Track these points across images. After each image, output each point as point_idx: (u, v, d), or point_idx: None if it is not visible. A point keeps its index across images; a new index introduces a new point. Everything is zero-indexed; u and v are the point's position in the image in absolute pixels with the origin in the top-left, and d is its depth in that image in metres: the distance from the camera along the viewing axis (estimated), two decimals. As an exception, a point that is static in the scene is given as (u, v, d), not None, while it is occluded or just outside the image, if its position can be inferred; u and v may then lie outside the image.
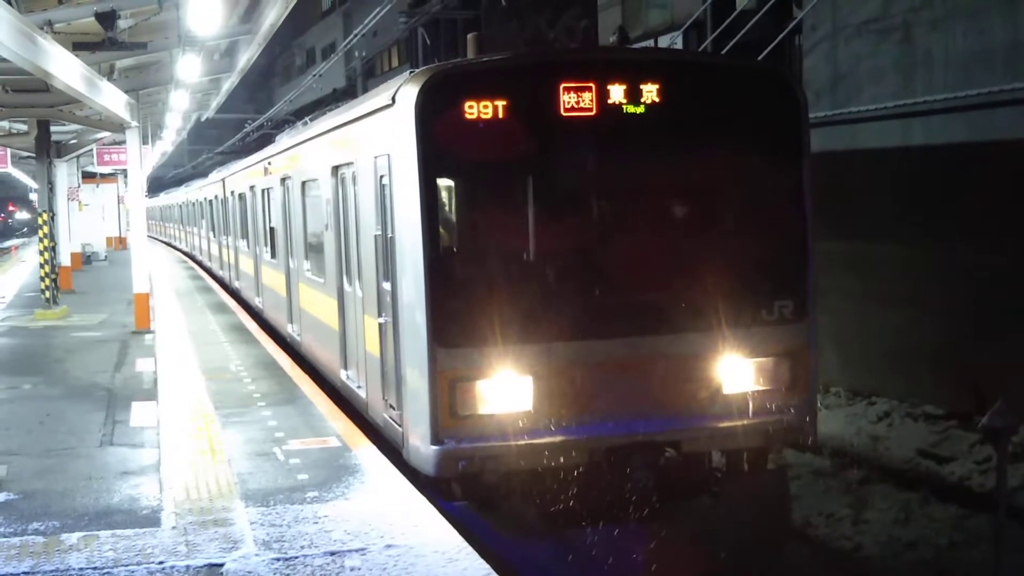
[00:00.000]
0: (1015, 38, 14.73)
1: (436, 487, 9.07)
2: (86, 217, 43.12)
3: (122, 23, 15.87)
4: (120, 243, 51.62)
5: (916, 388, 16.09)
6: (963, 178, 15.40)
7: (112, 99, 19.39)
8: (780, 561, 9.87)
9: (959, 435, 14.64)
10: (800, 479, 13.62)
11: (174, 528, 8.07)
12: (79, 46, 16.30)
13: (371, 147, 10.35)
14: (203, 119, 38.91)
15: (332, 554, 7.37)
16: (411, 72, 9.62)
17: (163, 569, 7.19)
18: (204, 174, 45.51)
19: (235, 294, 26.28)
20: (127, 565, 7.27)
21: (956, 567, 11.18)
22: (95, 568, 7.24)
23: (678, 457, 9.40)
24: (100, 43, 15.98)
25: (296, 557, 7.32)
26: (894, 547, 11.84)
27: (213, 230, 32.78)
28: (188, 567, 7.21)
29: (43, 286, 23.92)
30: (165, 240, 65.22)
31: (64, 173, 31.72)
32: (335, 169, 12.26)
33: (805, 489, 13.33)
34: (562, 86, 9.01)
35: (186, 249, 49.84)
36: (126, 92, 21.19)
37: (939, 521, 12.33)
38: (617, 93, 9.05)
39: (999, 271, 14.71)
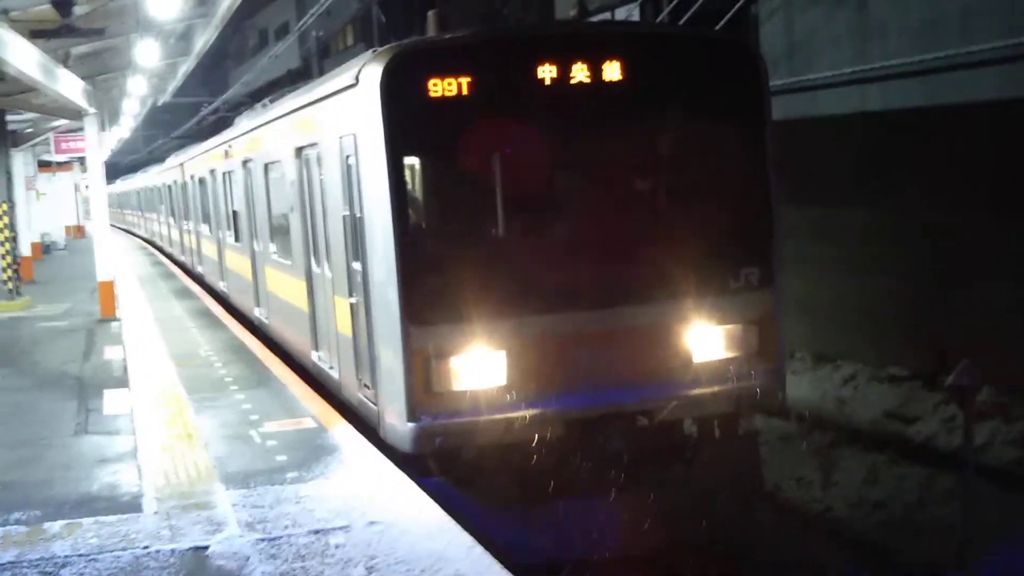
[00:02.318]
0: (966, 4, 14.90)
1: (413, 463, 9.13)
2: (44, 206, 42.69)
3: (78, 9, 15.73)
4: (78, 232, 51.17)
5: (880, 351, 16.30)
6: (921, 141, 15.59)
7: (69, 86, 19.23)
8: (753, 525, 10.03)
9: (924, 395, 14.88)
10: (769, 444, 13.79)
11: (156, 513, 8.09)
12: (36, 34, 16.14)
13: (336, 127, 10.34)
14: (159, 103, 38.54)
15: (316, 532, 7.42)
16: (374, 51, 9.61)
17: (148, 553, 7.21)
18: (160, 160, 45.11)
19: (198, 279, 26.16)
20: (112, 551, 7.29)
21: (926, 524, 11.39)
22: (80, 555, 7.24)
23: (651, 426, 9.53)
24: (57, 30, 15.82)
25: (280, 537, 7.37)
26: (864, 508, 12.06)
27: (173, 216, 32.57)
28: (173, 551, 7.24)
29: (5, 277, 23.72)
30: (124, 228, 64.47)
31: (21, 162, 31.43)
32: (299, 151, 12.24)
33: (775, 454, 13.51)
34: (526, 62, 9.05)
35: (145, 236, 49.47)
36: (83, 79, 21.00)
37: (907, 480, 12.56)
38: (582, 67, 9.08)
39: (958, 232, 14.92)
